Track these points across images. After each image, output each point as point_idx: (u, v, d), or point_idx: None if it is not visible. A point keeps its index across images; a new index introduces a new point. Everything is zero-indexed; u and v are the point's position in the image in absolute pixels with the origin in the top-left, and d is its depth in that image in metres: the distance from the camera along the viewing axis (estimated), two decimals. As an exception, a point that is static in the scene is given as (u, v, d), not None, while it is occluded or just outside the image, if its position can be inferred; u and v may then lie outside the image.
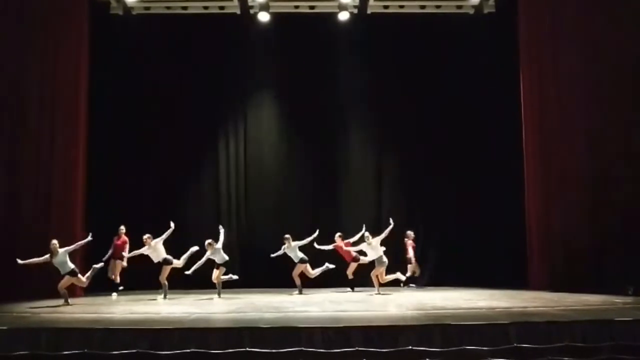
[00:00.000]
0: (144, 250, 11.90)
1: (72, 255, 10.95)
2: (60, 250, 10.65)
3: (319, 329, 7.52)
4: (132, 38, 14.52)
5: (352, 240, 12.89)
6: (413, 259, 13.64)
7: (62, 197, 12.60)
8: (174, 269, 12.05)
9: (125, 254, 12.29)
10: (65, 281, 10.71)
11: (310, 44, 14.55)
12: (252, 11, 14.34)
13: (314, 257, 12.86)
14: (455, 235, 14.07)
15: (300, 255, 12.63)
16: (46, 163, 12.69)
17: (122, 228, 12.56)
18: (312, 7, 14.51)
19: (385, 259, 12.25)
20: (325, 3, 14.46)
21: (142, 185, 14.25)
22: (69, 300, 10.72)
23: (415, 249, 13.71)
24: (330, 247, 12.99)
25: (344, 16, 14.26)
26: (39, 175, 12.65)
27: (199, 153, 14.81)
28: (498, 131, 14.06)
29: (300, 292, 12.45)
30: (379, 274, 12.33)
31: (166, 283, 11.93)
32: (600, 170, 12.56)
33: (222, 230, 12.54)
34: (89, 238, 11.18)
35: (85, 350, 6.85)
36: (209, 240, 12.16)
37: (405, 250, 13.65)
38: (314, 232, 12.86)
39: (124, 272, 12.47)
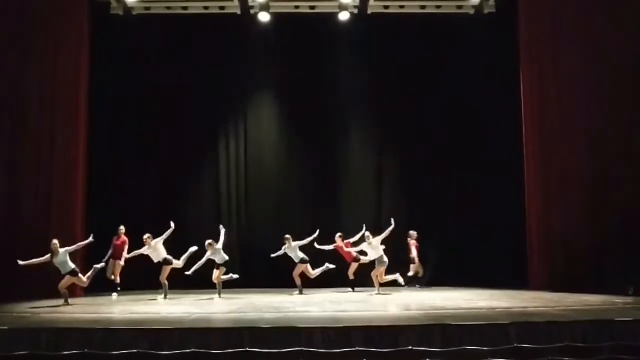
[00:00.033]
0: (144, 250, 11.90)
1: (72, 255, 10.94)
2: (61, 250, 10.65)
3: (319, 329, 7.52)
4: (132, 38, 14.52)
5: (352, 240, 12.89)
6: (416, 259, 13.61)
7: (62, 197, 12.60)
8: (174, 269, 12.04)
9: (124, 254, 12.29)
10: (66, 281, 10.71)
11: (311, 44, 14.55)
12: (252, 11, 14.34)
13: (314, 257, 12.86)
14: (455, 235, 14.07)
15: (301, 255, 12.63)
16: (46, 163, 12.69)
17: (122, 228, 12.56)
18: (312, 7, 14.51)
19: (385, 259, 12.24)
20: (325, 3, 14.46)
21: (142, 185, 14.25)
22: (69, 300, 10.71)
23: (418, 249, 13.68)
24: (330, 247, 12.99)
25: (344, 16, 14.27)
26: (39, 175, 12.65)
27: (199, 153, 14.82)
28: (498, 131, 14.06)
29: (301, 292, 12.44)
30: (379, 273, 12.33)
31: (166, 283, 11.92)
32: (600, 170, 12.56)
33: (222, 230, 12.54)
34: (91, 239, 11.18)
35: (85, 350, 6.85)
36: (209, 241, 12.15)
37: (408, 250, 13.64)
38: (314, 232, 12.85)
39: (123, 272, 12.46)
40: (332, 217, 14.26)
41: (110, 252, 12.36)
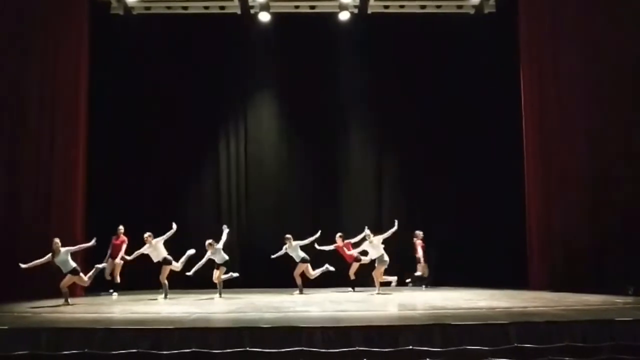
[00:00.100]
0: (144, 249, 11.89)
1: (73, 256, 10.93)
2: (63, 249, 10.66)
3: (319, 329, 7.51)
4: (132, 38, 14.52)
5: (353, 240, 12.87)
6: (422, 259, 13.60)
7: (62, 197, 12.60)
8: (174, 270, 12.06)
9: (122, 253, 12.29)
10: (67, 280, 10.71)
11: (311, 44, 14.56)
12: (252, 11, 14.35)
13: (315, 258, 12.85)
14: (455, 235, 14.07)
15: (302, 254, 12.63)
16: (46, 163, 12.69)
17: (121, 228, 12.57)
18: (312, 7, 14.51)
19: (386, 258, 12.21)
20: (325, 3, 14.46)
21: (142, 185, 14.25)
22: (69, 300, 10.71)
23: (424, 249, 13.63)
24: (331, 247, 12.99)
25: (344, 16, 14.27)
26: (39, 175, 12.65)
27: (199, 153, 14.82)
28: (498, 131, 14.06)
29: (301, 292, 12.44)
30: (379, 273, 12.31)
31: (166, 283, 11.92)
32: (600, 170, 12.56)
33: (226, 231, 12.52)
34: (93, 243, 11.17)
35: (86, 350, 6.84)
36: (210, 240, 12.14)
37: (414, 250, 13.62)
38: (314, 231, 12.85)
39: (123, 271, 12.45)
40: (332, 217, 14.26)
41: (109, 252, 12.38)
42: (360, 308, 9.93)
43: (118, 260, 12.30)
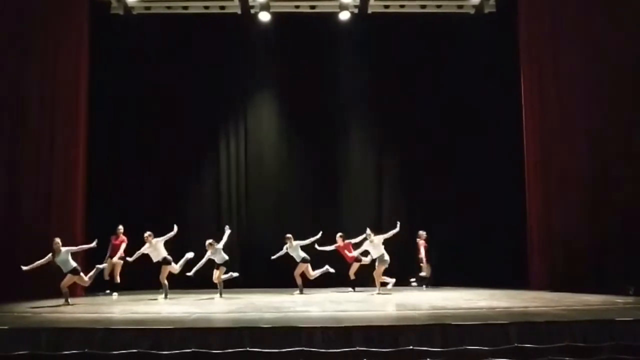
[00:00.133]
0: (145, 249, 11.89)
1: (73, 256, 10.93)
2: (63, 249, 10.66)
3: (319, 329, 7.51)
4: (132, 38, 14.52)
5: (354, 241, 12.86)
6: (424, 259, 13.58)
7: (62, 197, 12.60)
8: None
9: (120, 252, 12.29)
10: (68, 279, 10.71)
11: (311, 43, 14.56)
12: (252, 11, 14.35)
13: (315, 258, 12.85)
14: (455, 235, 14.06)
15: (303, 254, 12.62)
16: (46, 163, 12.69)
17: (120, 228, 12.58)
18: (312, 7, 14.51)
19: (387, 257, 12.18)
20: (325, 3, 14.47)
21: (142, 185, 14.25)
22: (69, 300, 10.71)
23: (427, 249, 13.61)
24: (331, 247, 12.98)
25: (344, 16, 14.28)
26: (39, 175, 12.65)
27: (199, 153, 14.82)
28: (498, 131, 14.06)
29: (301, 292, 12.44)
30: (379, 272, 12.30)
31: (166, 283, 11.92)
32: (600, 170, 12.56)
33: (227, 232, 12.51)
34: (94, 245, 11.17)
35: (86, 350, 6.84)
36: (210, 240, 12.13)
37: (417, 250, 13.61)
38: (314, 231, 12.83)
39: (123, 271, 12.45)
40: (332, 217, 14.26)
41: (109, 252, 12.38)
42: (360, 308, 9.93)
43: (116, 260, 12.30)
